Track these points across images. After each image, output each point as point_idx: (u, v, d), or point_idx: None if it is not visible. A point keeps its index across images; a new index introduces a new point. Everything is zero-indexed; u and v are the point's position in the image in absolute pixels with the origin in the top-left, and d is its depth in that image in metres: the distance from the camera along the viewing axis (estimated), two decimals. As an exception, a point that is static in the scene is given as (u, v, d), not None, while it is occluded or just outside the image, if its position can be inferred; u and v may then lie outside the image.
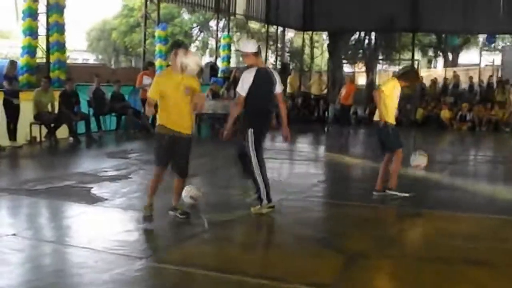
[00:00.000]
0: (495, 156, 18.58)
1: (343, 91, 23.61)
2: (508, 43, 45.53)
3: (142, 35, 26.78)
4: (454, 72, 32.69)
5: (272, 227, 8.62)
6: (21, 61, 18.40)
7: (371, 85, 31.47)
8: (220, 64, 29.34)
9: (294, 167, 15.21)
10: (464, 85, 31.29)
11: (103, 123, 19.66)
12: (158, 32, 24.59)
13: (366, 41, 44.70)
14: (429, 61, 51.96)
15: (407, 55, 43.90)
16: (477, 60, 46.87)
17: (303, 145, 20.28)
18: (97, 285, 6.02)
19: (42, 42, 19.22)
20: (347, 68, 48.19)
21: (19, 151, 15.81)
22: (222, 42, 30.20)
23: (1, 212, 9.30)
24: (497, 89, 28.62)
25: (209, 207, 9.25)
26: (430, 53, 52.86)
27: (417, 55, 43.66)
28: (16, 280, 6.09)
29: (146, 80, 19.56)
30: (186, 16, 49.15)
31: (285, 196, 10.41)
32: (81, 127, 18.26)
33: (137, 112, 20.24)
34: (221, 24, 31.75)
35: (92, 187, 10.75)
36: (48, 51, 19.08)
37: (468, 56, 52.93)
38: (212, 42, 42.12)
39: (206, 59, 44.31)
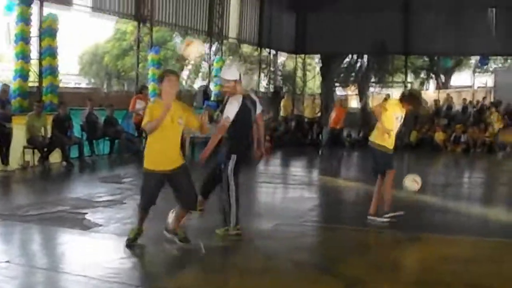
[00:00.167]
0: (490, 178, 18.54)
1: (333, 115, 23.52)
2: (500, 65, 45.72)
3: (134, 59, 26.74)
4: (448, 94, 32.72)
5: (269, 253, 8.47)
6: (13, 85, 18.29)
7: (365, 108, 31.45)
8: (213, 88, 29.29)
9: (289, 191, 15.11)
10: (457, 106, 31.28)
11: (96, 148, 19.52)
12: (151, 55, 24.54)
13: (359, 64, 44.76)
14: (422, 83, 51.99)
15: (399, 78, 44.06)
16: (469, 81, 47.16)
17: (297, 168, 20.24)
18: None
19: (34, 66, 19.15)
20: (339, 91, 48.26)
21: (12, 175, 15.66)
22: (215, 65, 30.15)
23: (-7, 239, 9.15)
24: (488, 111, 28.72)
25: (205, 232, 9.12)
26: (422, 75, 52.95)
27: (410, 78, 43.70)
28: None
29: (139, 104, 19.51)
30: (178, 39, 49.16)
31: (281, 221, 10.35)
32: (74, 152, 18.10)
33: (130, 136, 20.15)
34: (213, 47, 31.75)
35: (86, 213, 10.61)
36: (40, 75, 19.01)
37: (460, 78, 53.14)
38: (204, 66, 42.01)
39: (199, 82, 44.36)
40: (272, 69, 38.07)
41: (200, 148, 21.05)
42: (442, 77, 51.10)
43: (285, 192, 15.11)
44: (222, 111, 9.28)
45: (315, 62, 48.04)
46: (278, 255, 8.42)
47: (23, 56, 18.40)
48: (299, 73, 41.26)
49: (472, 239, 9.51)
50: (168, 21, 26.63)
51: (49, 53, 19.05)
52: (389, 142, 10.30)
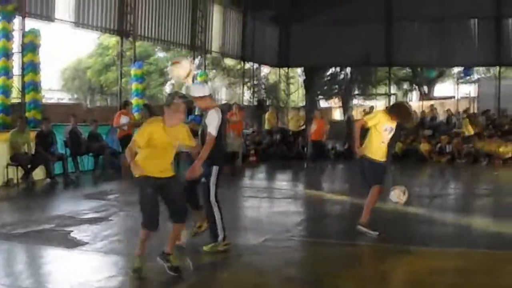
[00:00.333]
0: (477, 188, 18.51)
1: (314, 127, 23.46)
2: (483, 75, 45.90)
3: (117, 73, 26.65)
4: (432, 105, 32.78)
5: (259, 269, 8.36)
6: (-5, 101, 18.16)
7: (350, 120, 31.43)
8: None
9: (276, 205, 14.97)
10: (441, 117, 31.35)
11: (80, 164, 19.34)
12: (134, 70, 24.44)
13: (341, 76, 44.89)
14: (405, 94, 52.15)
15: (382, 89, 44.20)
16: (452, 92, 47.25)
17: (283, 182, 20.12)
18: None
19: (17, 81, 19.00)
20: (323, 103, 48.37)
21: (-5, 193, 15.51)
22: (198, 79, 30.02)
23: (-22, 259, 9.00)
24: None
25: (193, 248, 9.00)
26: (405, 86, 53.09)
27: (393, 89, 43.81)
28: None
29: (124, 119, 19.41)
30: (161, 54, 49.16)
31: (269, 236, 10.24)
32: (57, 168, 17.92)
33: (114, 152, 20.01)
34: (196, 61, 31.67)
35: (71, 231, 10.49)
36: (23, 91, 18.88)
37: (443, 88, 53.26)
38: (196, 81, 41.98)
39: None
40: (255, 82, 38.05)
41: (186, 163, 21.05)
42: (425, 87, 51.25)
43: (271, 206, 14.98)
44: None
45: (298, 74, 48.06)
46: (268, 271, 8.32)
47: (5, 71, 18.28)
48: (282, 86, 41.23)
49: (461, 251, 9.44)
50: (150, 35, 26.55)
51: (31, 68, 18.92)
52: (379, 154, 10.22)
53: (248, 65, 36.27)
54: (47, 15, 20.52)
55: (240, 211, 13.59)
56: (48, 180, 17.12)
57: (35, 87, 19.09)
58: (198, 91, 9.22)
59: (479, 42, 33.13)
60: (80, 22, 22.22)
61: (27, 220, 11.61)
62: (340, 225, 12.25)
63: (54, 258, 8.94)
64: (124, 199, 14.43)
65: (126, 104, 21.09)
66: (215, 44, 31.36)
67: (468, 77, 41.12)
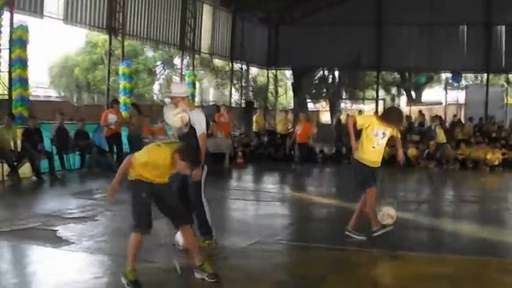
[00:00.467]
0: (465, 194, 18.49)
1: (299, 130, 23.40)
2: (471, 82, 46.02)
3: (105, 71, 26.52)
4: (420, 110, 32.82)
5: (247, 272, 8.24)
6: (-18, 98, 18.02)
7: (339, 123, 31.44)
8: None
9: (264, 208, 14.86)
10: (429, 122, 31.34)
11: (67, 162, 19.19)
12: (122, 68, 24.29)
13: (330, 79, 44.87)
14: (392, 99, 52.19)
15: (370, 93, 44.22)
16: (440, 97, 47.35)
17: (270, 184, 20.02)
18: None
19: (4, 77, 18.85)
20: (311, 106, 48.33)
21: (-19, 190, 15.37)
22: (187, 79, 29.92)
23: (-38, 257, 8.87)
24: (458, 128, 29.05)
25: (181, 251, 8.89)
26: (394, 91, 53.14)
27: (381, 93, 43.85)
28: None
29: (112, 118, 19.31)
30: (149, 53, 49.03)
31: (258, 239, 10.15)
32: (44, 166, 17.76)
33: (101, 150, 19.89)
34: (185, 61, 31.60)
35: (57, 229, 10.37)
36: (10, 87, 18.70)
37: (431, 94, 53.35)
38: (176, 79, 41.82)
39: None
40: (243, 83, 38.00)
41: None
42: (413, 92, 51.32)
43: (259, 209, 14.89)
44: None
45: (286, 77, 48.05)
46: (256, 275, 8.21)
47: (-7, 67, 18.15)
48: (271, 88, 41.19)
49: (449, 257, 9.42)
50: (140, 34, 26.43)
51: (19, 64, 18.74)
52: (371, 157, 10.14)
53: (237, 66, 36.19)
54: (36, 11, 20.37)
55: (228, 213, 13.49)
56: (34, 177, 16.97)
57: (23, 83, 18.92)
58: (180, 89, 9.26)
59: (468, 48, 33.24)
60: (69, 18, 22.08)
61: (12, 217, 11.45)
62: (328, 229, 12.17)
63: (40, 257, 8.81)
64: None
65: (114, 103, 20.99)
66: (204, 44, 31.26)
67: (457, 83, 41.14)
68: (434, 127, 27.14)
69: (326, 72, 44.45)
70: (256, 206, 15.31)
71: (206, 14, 31.26)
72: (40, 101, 35.42)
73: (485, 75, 36.46)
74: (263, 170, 23.33)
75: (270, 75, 40.07)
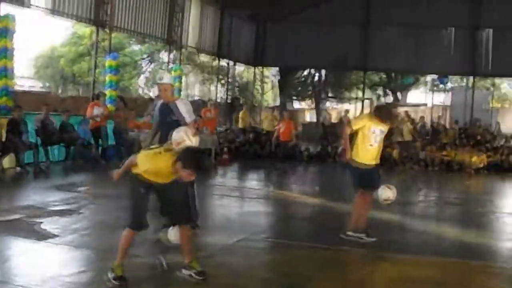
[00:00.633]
0: (450, 197, 18.51)
1: (282, 128, 23.36)
2: (456, 84, 46.14)
3: (90, 63, 26.33)
4: (406, 111, 32.84)
5: (232, 270, 8.17)
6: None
7: (324, 122, 31.47)
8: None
9: (249, 205, 14.83)
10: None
11: (51, 154, 19.00)
12: (109, 61, 24.10)
13: (316, 78, 44.87)
14: (378, 100, 52.21)
15: (355, 94, 44.26)
16: (425, 99, 47.47)
17: (255, 182, 19.96)
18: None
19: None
20: (296, 104, 48.32)
21: (-37, 181, 15.18)
22: (173, 74, 29.72)
23: None
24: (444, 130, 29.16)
25: (166, 247, 8.76)
26: (379, 91, 53.19)
27: (366, 94, 43.85)
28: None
29: (97, 110, 19.21)
30: (135, 46, 48.74)
31: (245, 236, 10.09)
32: (28, 157, 17.57)
33: (86, 142, 19.75)
34: (171, 55, 31.46)
35: (41, 222, 10.25)
36: (-5, 77, 18.53)
37: (416, 95, 53.42)
38: (162, 72, 41.65)
39: (156, 91, 43.98)
40: (229, 79, 37.92)
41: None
42: (399, 94, 51.37)
43: (244, 206, 14.84)
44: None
45: (272, 74, 47.99)
46: (244, 272, 8.15)
47: (-22, 57, 17.96)
48: (256, 85, 41.11)
49: (434, 259, 9.38)
50: (127, 27, 26.26)
51: (4, 54, 18.56)
52: (367, 158, 10.09)
53: (223, 62, 36.10)
54: (23, 1, 20.15)
55: (213, 210, 13.40)
56: (18, 169, 16.78)
57: (8, 73, 18.74)
58: (167, 77, 9.40)
59: (455, 51, 33.24)
60: (56, 9, 21.85)
61: (-5, 209, 11.32)
62: (313, 227, 12.16)
63: (23, 250, 8.68)
64: (95, 191, 14.21)
65: (99, 95, 20.86)
66: (191, 39, 31.12)
67: (443, 85, 41.20)
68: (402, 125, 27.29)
69: (312, 71, 44.46)
70: (241, 203, 15.25)
71: (194, 9, 31.09)
72: (24, 91, 35.12)
73: (471, 78, 36.47)
74: (248, 167, 23.27)
75: (257, 71, 39.95)
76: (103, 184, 15.68)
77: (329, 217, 13.11)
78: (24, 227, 9.90)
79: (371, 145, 10.05)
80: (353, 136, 10.20)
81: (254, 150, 26.48)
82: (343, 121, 29.55)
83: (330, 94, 46.86)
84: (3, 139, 16.78)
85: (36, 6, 21.03)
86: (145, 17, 27.20)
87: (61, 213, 11.28)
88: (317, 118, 40.62)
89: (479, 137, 28.99)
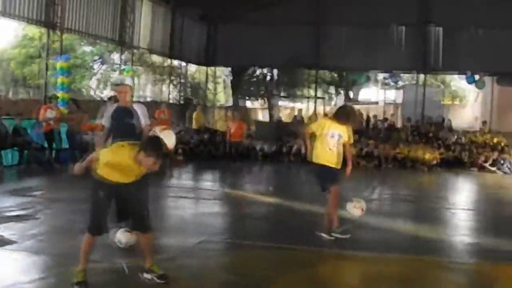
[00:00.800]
0: (405, 194, 18.71)
1: (232, 128, 23.36)
2: (406, 82, 46.52)
3: (41, 66, 26.01)
4: (358, 110, 33.08)
5: (195, 274, 8.11)
6: None
7: (277, 121, 31.59)
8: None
9: (206, 206, 14.76)
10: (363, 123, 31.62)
11: (5, 158, 18.75)
12: (60, 63, 23.80)
13: (268, 77, 44.93)
14: (330, 98, 52.44)
15: (307, 92, 44.38)
16: (377, 97, 47.83)
17: (212, 182, 19.92)
18: None
19: None
20: (249, 104, 48.33)
21: None
22: (126, 75, 29.49)
23: None
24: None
25: (127, 251, 8.68)
26: (331, 90, 53.38)
27: (318, 92, 43.99)
28: None
29: (50, 113, 19.01)
30: (86, 48, 48.27)
31: (204, 238, 10.05)
32: (-20, 162, 17.35)
33: (40, 146, 19.52)
34: (123, 56, 31.25)
35: (-3, 228, 10.08)
36: None
37: (368, 93, 53.73)
38: (113, 75, 41.41)
39: (107, 92, 43.68)
40: (182, 80, 37.78)
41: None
42: (351, 92, 51.65)
43: (201, 207, 14.77)
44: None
45: (224, 74, 47.97)
46: (205, 275, 8.12)
47: None
48: (209, 85, 41.02)
49: (396, 257, 9.51)
50: (78, 28, 25.98)
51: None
52: (328, 158, 10.14)
53: (175, 63, 35.96)
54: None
55: (170, 212, 13.34)
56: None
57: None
58: (126, 79, 9.28)
59: (405, 48, 33.49)
60: (6, 11, 21.56)
61: None
62: (271, 227, 12.17)
63: (-19, 257, 8.53)
64: (50, 195, 14.06)
65: (52, 98, 20.64)
66: (143, 40, 30.92)
67: (393, 83, 41.47)
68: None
69: (264, 71, 44.51)
70: (198, 204, 15.19)
71: (145, 9, 30.90)
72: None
73: (421, 75, 36.79)
74: (203, 168, 23.22)
75: (209, 72, 39.85)
76: (58, 188, 15.60)
77: (286, 216, 13.17)
78: (-21, 234, 9.72)
79: (330, 148, 10.10)
80: (312, 137, 10.26)
81: (208, 151, 26.45)
82: (297, 120, 29.75)
83: (282, 94, 46.94)
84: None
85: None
86: (96, 18, 26.93)
87: (17, 218, 11.11)
88: (270, 117, 40.64)
89: (431, 134, 29.31)
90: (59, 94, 22.78)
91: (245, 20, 34.59)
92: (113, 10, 28.09)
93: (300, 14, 33.65)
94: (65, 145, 20.18)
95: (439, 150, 26.33)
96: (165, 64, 38.14)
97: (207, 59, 37.17)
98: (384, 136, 28.56)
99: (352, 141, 10.67)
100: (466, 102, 47.35)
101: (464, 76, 35.21)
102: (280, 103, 49.23)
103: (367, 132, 28.93)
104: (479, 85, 34.34)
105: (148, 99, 41.48)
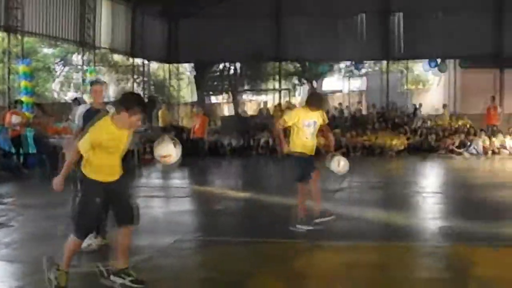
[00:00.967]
0: (376, 181, 18.85)
1: (196, 124, 23.29)
2: (370, 69, 46.70)
3: (3, 71, 25.74)
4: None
5: (174, 273, 8.10)
6: None
7: (242, 115, 31.57)
8: (87, 99, 28.46)
9: (177, 204, 14.68)
10: (333, 111, 31.72)
11: (-29, 166, 18.62)
12: (22, 67, 23.60)
13: (231, 71, 44.86)
14: (294, 89, 52.42)
15: (271, 84, 44.38)
16: (340, 86, 47.96)
17: (181, 180, 19.84)
18: None
19: None
20: (213, 99, 48.21)
21: None
22: (88, 76, 29.25)
23: None
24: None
25: (104, 252, 8.66)
26: (294, 81, 53.35)
27: (282, 84, 43.98)
28: None
29: (16, 119, 18.87)
30: (47, 50, 47.83)
31: (179, 237, 10.04)
32: None
33: (6, 152, 19.36)
34: (85, 57, 31.01)
35: (-30, 238, 9.98)
36: None
37: (332, 83, 53.74)
38: (75, 77, 41.11)
39: (71, 94, 43.39)
40: (145, 78, 37.60)
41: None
42: (314, 82, 51.66)
43: (172, 206, 14.72)
44: None
45: (187, 70, 47.79)
46: (184, 274, 8.11)
47: None
48: (172, 82, 40.84)
49: (374, 244, 9.64)
50: (38, 31, 25.72)
51: None
52: (307, 147, 10.25)
53: (137, 61, 35.76)
54: None
55: (142, 212, 13.03)
56: None
57: None
58: (102, 79, 9.22)
59: (367, 36, 33.61)
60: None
61: None
62: (245, 222, 12.21)
63: (-45, 268, 8.44)
64: (22, 202, 13.94)
65: (17, 103, 20.48)
66: (104, 40, 30.69)
67: (360, 71, 41.60)
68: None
69: (227, 65, 44.41)
70: (169, 202, 15.17)
71: (105, 9, 30.67)
72: None
73: (384, 62, 36.94)
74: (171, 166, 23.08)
75: (172, 68, 39.66)
76: (28, 193, 15.49)
77: (258, 210, 13.20)
78: (-49, 245, 9.61)
79: (307, 138, 10.16)
80: (286, 129, 10.29)
81: (176, 148, 26.31)
82: (263, 113, 29.75)
83: (246, 87, 46.91)
84: None
85: None
86: (56, 20, 26.67)
87: (-11, 227, 11.03)
88: (235, 112, 40.58)
89: (396, 120, 29.52)
90: (23, 98, 22.60)
91: (206, 14, 34.43)
92: (73, 11, 27.84)
93: (261, 6, 33.59)
94: (33, 150, 20.03)
95: (406, 135, 26.51)
96: (127, 63, 37.92)
97: (169, 56, 36.98)
98: (350, 124, 28.68)
99: (327, 121, 10.73)
100: (430, 86, 47.51)
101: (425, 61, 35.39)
102: (245, 96, 49.23)
103: (333, 121, 28.99)
104: (442, 68, 34.59)
105: (112, 99, 41.21)
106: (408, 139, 26.11)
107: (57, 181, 6.84)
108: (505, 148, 25.85)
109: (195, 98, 44.03)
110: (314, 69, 45.60)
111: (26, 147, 19.86)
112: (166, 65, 39.67)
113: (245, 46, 33.67)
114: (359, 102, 34.58)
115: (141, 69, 37.19)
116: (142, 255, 8.68)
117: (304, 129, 10.14)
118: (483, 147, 25.63)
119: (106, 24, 30.66)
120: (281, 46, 34.42)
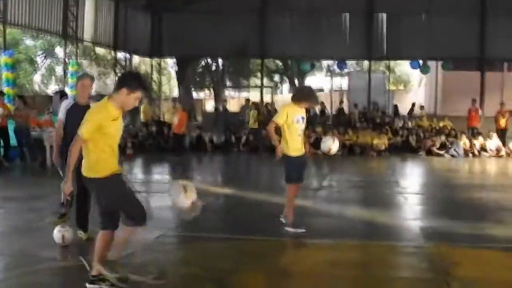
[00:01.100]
0: (357, 180, 18.90)
1: (176, 120, 23.23)
2: (352, 69, 46.86)
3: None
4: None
5: (157, 268, 8.05)
6: None
7: (225, 111, 31.54)
8: (69, 92, 28.36)
9: (158, 200, 14.53)
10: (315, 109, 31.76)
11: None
12: (4, 59, 23.45)
13: (214, 67, 44.87)
14: (276, 86, 52.56)
15: (254, 81, 44.42)
16: (323, 84, 48.09)
17: (163, 175, 19.79)
18: None
19: None
20: (195, 95, 48.19)
21: None
22: (70, 69, 29.13)
23: None
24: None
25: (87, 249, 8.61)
26: (276, 78, 53.49)
27: (264, 81, 44.09)
28: None
29: (-1, 110, 18.84)
30: (29, 42, 47.67)
31: (162, 233, 10.00)
32: None
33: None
34: (68, 50, 30.88)
35: (-50, 233, 9.90)
36: None
37: (314, 81, 53.96)
38: (58, 69, 40.93)
39: (53, 87, 43.26)
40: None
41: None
42: (296, 80, 51.79)
43: (154, 201, 14.52)
44: None
45: (169, 66, 47.76)
46: (168, 270, 8.08)
47: None
48: (155, 76, 40.76)
49: (356, 243, 9.68)
50: (21, 22, 25.57)
51: None
52: (298, 145, 10.22)
53: (120, 55, 35.69)
54: None
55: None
56: None
57: None
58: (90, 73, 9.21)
59: (351, 35, 33.70)
60: None
61: None
62: (228, 219, 12.19)
63: None
64: (3, 194, 13.82)
65: (-1, 94, 20.39)
66: (87, 33, 30.57)
67: (343, 70, 41.67)
68: (248, 112, 27.71)
69: (210, 61, 44.41)
70: (151, 198, 15.05)
71: (89, 1, 30.56)
72: None
73: (366, 62, 37.05)
74: (153, 161, 23.13)
75: (154, 63, 39.60)
76: (9, 186, 15.39)
77: (240, 206, 13.22)
78: None
79: (299, 134, 10.15)
80: (278, 130, 10.27)
81: (158, 143, 26.35)
82: (244, 110, 29.72)
83: (229, 83, 46.98)
84: None
85: None
86: (39, 11, 26.57)
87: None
88: (217, 108, 40.59)
89: (378, 120, 29.62)
90: (5, 89, 22.48)
91: (190, 9, 34.42)
92: (57, 3, 27.72)
93: (245, 1, 33.57)
94: (14, 142, 19.89)
95: (387, 135, 26.61)
96: (109, 57, 37.80)
97: (152, 50, 36.91)
98: (332, 123, 28.75)
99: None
100: (411, 87, 47.82)
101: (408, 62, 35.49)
102: (227, 93, 49.23)
103: (315, 120, 29.06)
104: (424, 70, 34.74)
105: (94, 93, 41.05)
106: (389, 139, 26.21)
107: (67, 186, 6.74)
108: (485, 150, 25.99)
109: (176, 93, 44.01)
110: (296, 67, 45.68)
111: (7, 139, 19.71)
112: (148, 60, 39.57)
113: (229, 42, 33.69)
114: (341, 102, 34.57)
115: (123, 63, 37.10)
116: (125, 250, 8.64)
117: (296, 126, 10.09)
118: (464, 149, 25.76)
119: (89, 17, 30.54)
120: (264, 43, 34.43)
